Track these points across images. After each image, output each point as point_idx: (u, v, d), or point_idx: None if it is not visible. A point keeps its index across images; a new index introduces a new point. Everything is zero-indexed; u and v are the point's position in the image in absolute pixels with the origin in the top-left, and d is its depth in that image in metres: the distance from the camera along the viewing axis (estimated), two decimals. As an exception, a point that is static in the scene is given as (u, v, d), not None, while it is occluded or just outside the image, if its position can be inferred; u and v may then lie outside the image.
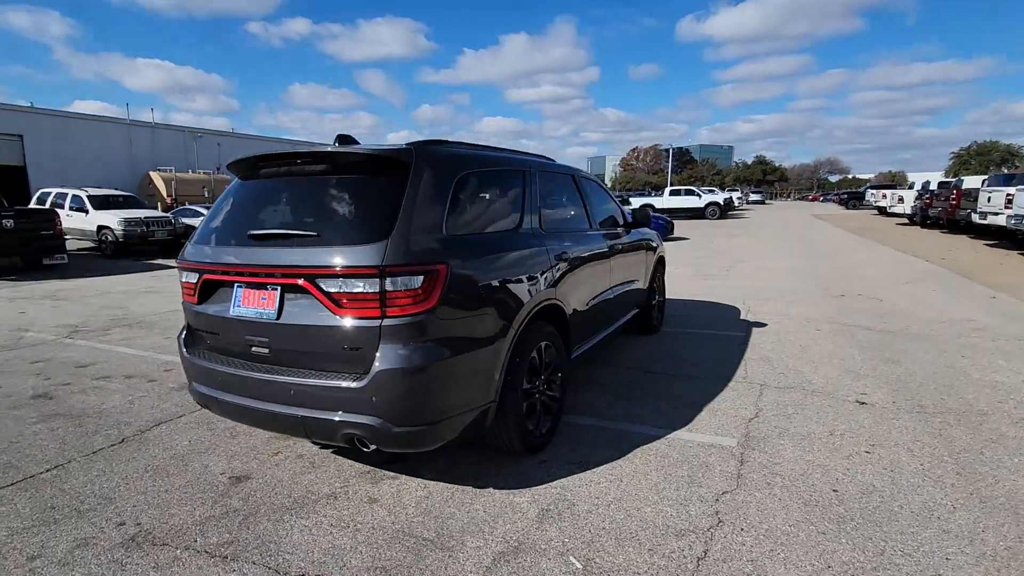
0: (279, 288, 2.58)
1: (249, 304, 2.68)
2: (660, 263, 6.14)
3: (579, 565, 2.29)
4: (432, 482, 3.00)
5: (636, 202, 30.17)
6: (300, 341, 2.59)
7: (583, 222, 4.28)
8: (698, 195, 29.54)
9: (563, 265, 3.54)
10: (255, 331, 2.69)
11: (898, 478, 2.94)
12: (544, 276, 3.28)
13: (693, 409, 3.93)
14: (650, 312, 5.81)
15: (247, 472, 3.15)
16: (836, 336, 5.80)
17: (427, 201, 2.60)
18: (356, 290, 2.40)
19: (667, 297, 8.02)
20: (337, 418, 2.48)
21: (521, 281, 3.03)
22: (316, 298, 2.48)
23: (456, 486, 2.95)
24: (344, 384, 2.45)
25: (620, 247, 4.78)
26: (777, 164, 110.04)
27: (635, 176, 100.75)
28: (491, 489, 2.91)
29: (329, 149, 2.74)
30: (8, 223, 11.59)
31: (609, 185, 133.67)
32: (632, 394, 4.25)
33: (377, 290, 2.38)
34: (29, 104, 29.03)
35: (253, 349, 2.73)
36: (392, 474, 3.09)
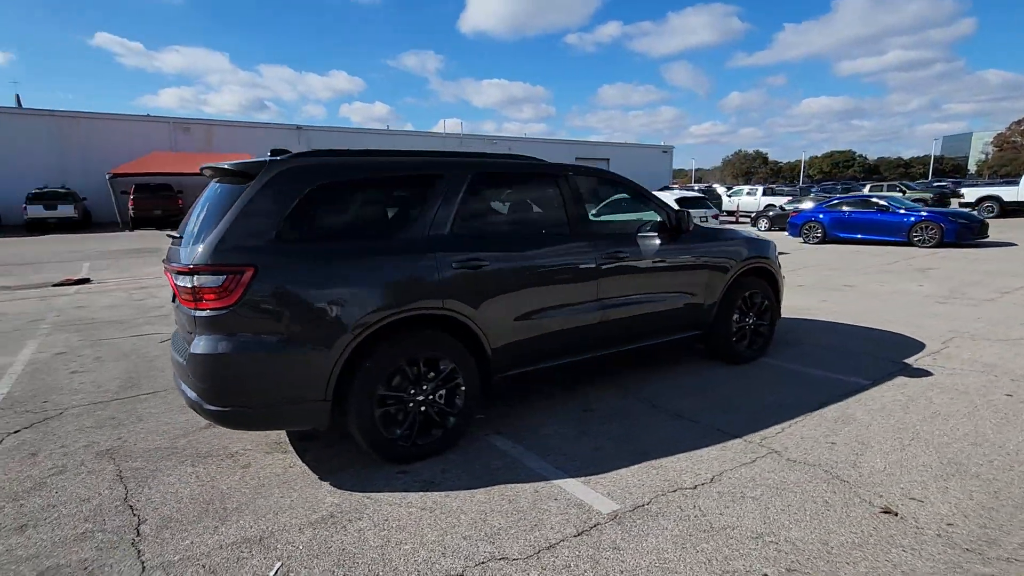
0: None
1: (172, 289, 3.43)
2: (753, 277, 4.88)
3: (271, 574, 2.31)
4: (301, 464, 3.28)
5: (970, 193, 22.78)
6: (179, 322, 3.21)
7: (556, 228, 3.82)
8: (1084, 183, 20.44)
9: (472, 274, 3.31)
10: (175, 311, 3.42)
11: (748, 624, 1.95)
12: (425, 285, 3.16)
13: (631, 458, 3.19)
14: (726, 336, 4.70)
15: (220, 422, 3.96)
16: (1029, 409, 3.70)
17: (254, 208, 2.87)
18: (182, 284, 2.86)
19: (848, 323, 6.24)
20: (183, 388, 3.01)
21: (372, 287, 3.02)
22: (174, 288, 3.04)
23: (309, 473, 3.17)
24: (182, 361, 2.96)
25: (633, 257, 4.06)
26: None
27: (1018, 157, 74.08)
28: (327, 484, 3.04)
29: (215, 164, 3.24)
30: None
31: (972, 170, 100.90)
32: (594, 427, 3.65)
33: (191, 285, 2.80)
34: (386, 127, 38.34)
35: (175, 324, 3.48)
36: (289, 451, 3.47)
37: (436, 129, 45.02)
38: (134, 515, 2.78)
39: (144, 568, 2.37)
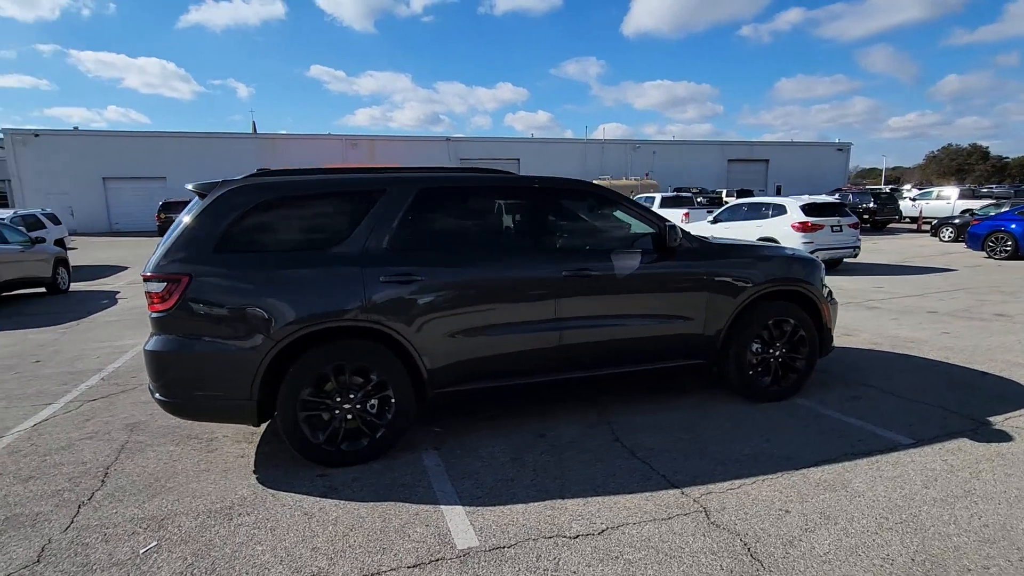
0: None
1: None
2: (783, 301, 4.16)
3: (142, 552, 2.59)
4: (252, 455, 3.58)
5: None
6: None
7: (512, 243, 3.66)
8: None
9: (403, 289, 3.34)
10: None
11: None
12: (349, 297, 3.27)
13: (539, 495, 2.96)
14: (739, 368, 4.08)
15: (228, 409, 4.48)
16: None
17: (195, 224, 3.22)
18: (144, 289, 3.31)
19: (954, 363, 5.09)
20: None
21: (295, 298, 3.19)
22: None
23: (250, 464, 3.45)
24: None
25: (605, 275, 3.72)
26: None
27: None
28: (253, 477, 3.29)
29: (193, 184, 3.66)
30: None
31: None
32: (533, 455, 3.44)
33: (146, 291, 3.23)
34: (531, 135, 39.45)
35: None
36: (254, 441, 3.81)
37: (596, 135, 45.67)
38: (101, 482, 3.30)
39: (69, 527, 2.81)
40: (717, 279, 3.98)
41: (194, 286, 3.13)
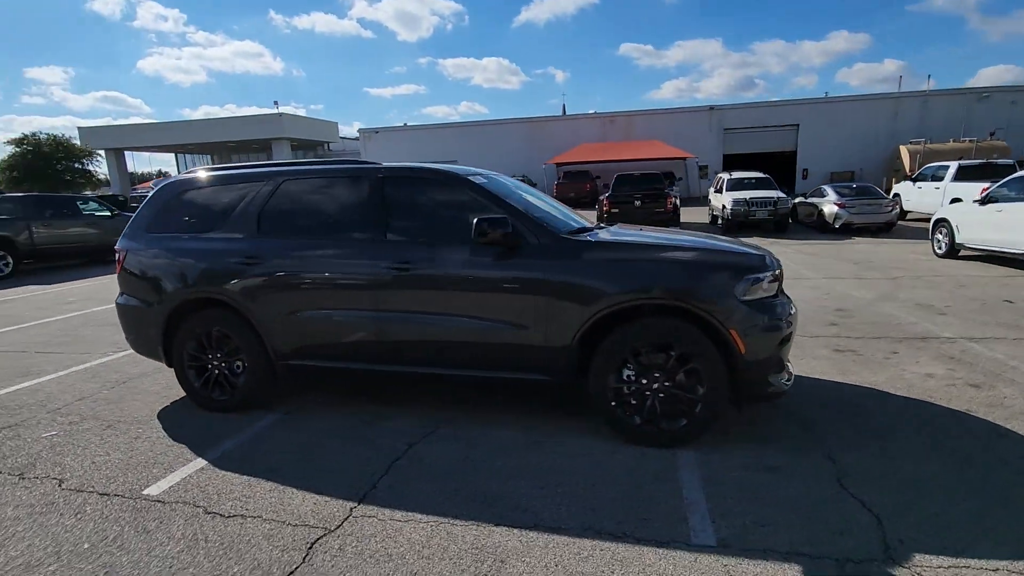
0: None
1: None
2: (671, 319, 3.11)
3: (45, 435, 3.78)
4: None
5: None
6: None
7: (350, 232, 3.72)
8: None
9: (245, 269, 3.81)
10: None
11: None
12: (211, 274, 3.90)
13: (264, 473, 3.16)
14: (598, 397, 3.28)
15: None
16: None
17: (144, 210, 4.27)
18: (115, 259, 4.54)
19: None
20: None
21: (179, 271, 3.98)
22: None
23: (173, 399, 4.44)
24: None
25: (427, 269, 3.48)
26: None
27: None
28: (159, 407, 4.26)
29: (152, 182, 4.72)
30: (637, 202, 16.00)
31: None
32: (325, 440, 3.56)
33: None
34: (825, 94, 33.15)
35: None
36: (214, 380, 4.84)
37: (972, 83, 35.65)
38: (109, 390, 4.74)
39: (50, 410, 4.23)
40: (559, 284, 3.25)
41: (128, 258, 4.22)
